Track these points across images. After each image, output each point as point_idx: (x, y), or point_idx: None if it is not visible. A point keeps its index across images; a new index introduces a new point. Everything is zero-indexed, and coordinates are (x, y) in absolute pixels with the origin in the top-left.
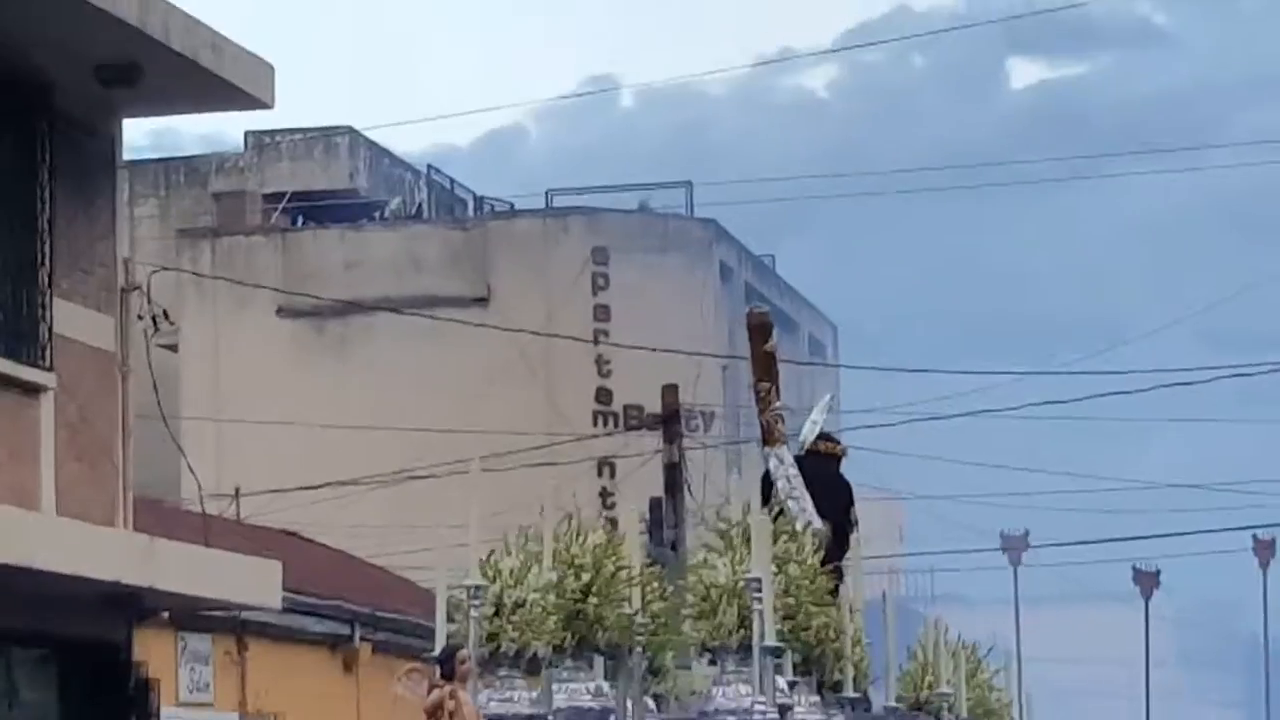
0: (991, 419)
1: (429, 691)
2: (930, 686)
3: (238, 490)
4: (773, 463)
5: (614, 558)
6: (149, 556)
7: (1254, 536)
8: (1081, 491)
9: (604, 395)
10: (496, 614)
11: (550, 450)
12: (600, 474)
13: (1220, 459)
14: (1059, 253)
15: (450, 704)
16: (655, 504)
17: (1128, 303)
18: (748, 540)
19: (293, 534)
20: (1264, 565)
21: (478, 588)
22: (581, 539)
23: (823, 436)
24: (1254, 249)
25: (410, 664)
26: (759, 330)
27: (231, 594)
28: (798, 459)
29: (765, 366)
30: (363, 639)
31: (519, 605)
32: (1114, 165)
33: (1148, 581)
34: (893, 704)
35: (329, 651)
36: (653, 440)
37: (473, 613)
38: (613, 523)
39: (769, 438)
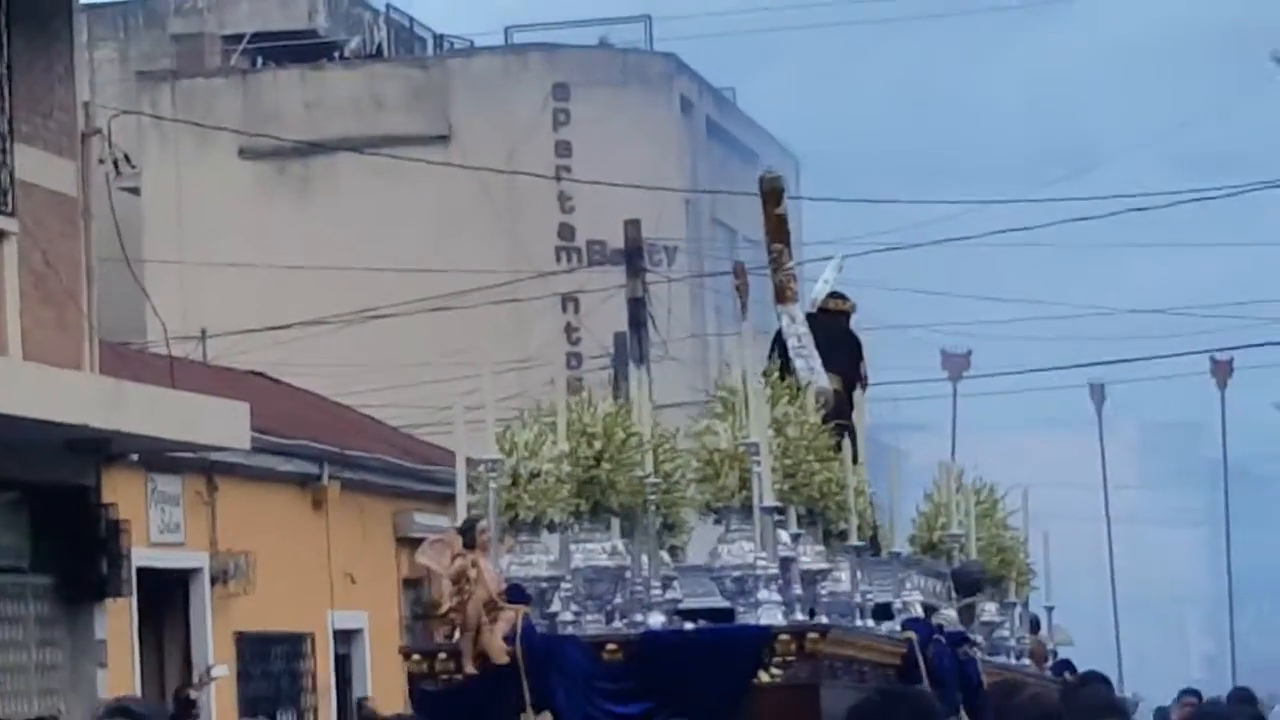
0: (956, 248)
1: (452, 560)
2: (944, 528)
3: (204, 332)
4: (784, 321)
5: (624, 425)
6: (117, 400)
7: (1211, 358)
8: (1042, 318)
9: (566, 231)
10: (513, 484)
11: (513, 287)
12: (565, 310)
13: (1181, 283)
14: (1028, 80)
15: (472, 571)
16: (619, 339)
17: (1097, 129)
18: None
19: (259, 374)
20: (1221, 386)
21: (495, 461)
22: (593, 408)
23: (833, 295)
24: (1228, 69)
25: (434, 536)
26: (772, 195)
27: (200, 435)
28: (809, 316)
29: (778, 229)
30: (331, 477)
31: (534, 475)
32: None
33: (1096, 395)
34: (896, 549)
35: (298, 490)
36: (616, 275)
37: (491, 484)
38: (577, 358)
39: (781, 296)
